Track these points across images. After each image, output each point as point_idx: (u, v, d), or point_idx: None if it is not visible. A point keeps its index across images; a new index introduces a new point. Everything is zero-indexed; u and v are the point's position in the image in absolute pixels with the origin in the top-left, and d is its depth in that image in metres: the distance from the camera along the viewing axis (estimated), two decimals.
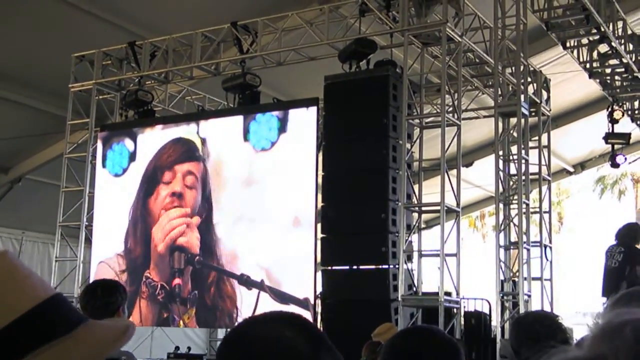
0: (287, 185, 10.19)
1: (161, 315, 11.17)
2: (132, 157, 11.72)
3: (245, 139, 10.71)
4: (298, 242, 9.88)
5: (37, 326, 1.07)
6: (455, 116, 9.52)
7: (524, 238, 9.72)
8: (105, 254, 11.66)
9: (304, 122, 10.29)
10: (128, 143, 11.82)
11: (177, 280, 11.04)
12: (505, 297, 9.84)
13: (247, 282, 10.35)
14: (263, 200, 10.44)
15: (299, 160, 10.16)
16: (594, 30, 11.06)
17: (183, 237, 11.06)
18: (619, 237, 8.90)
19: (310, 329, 1.16)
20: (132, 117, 12.14)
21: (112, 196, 11.79)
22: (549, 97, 12.13)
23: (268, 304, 9.86)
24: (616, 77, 12.93)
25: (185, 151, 11.27)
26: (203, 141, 11.16)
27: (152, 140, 11.64)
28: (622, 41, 11.78)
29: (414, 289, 9.32)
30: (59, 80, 11.90)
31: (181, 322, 11.23)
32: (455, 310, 9.16)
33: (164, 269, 11.14)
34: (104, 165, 11.96)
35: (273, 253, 10.22)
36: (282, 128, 10.44)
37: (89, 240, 11.85)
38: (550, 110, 12.06)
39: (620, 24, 11.68)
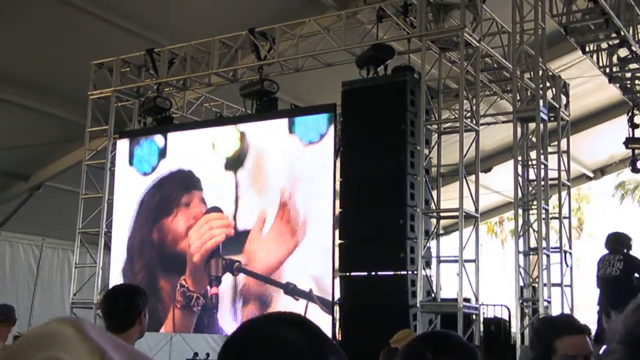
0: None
1: (196, 326, 10.69)
2: (163, 153, 11.31)
3: (290, 131, 10.07)
4: None
5: None
6: (474, 121, 9.48)
7: (544, 244, 9.65)
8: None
9: None
10: (158, 138, 11.45)
11: (214, 290, 10.28)
12: (524, 304, 9.76)
13: (293, 291, 9.56)
14: (311, 200, 9.67)
15: None
16: (614, 35, 10.98)
17: (222, 243, 10.36)
18: (609, 245, 8.87)
19: (313, 330, 1.15)
20: (150, 124, 12.18)
21: (140, 197, 11.39)
22: (568, 102, 12.06)
23: (317, 316, 8.82)
24: (636, 82, 12.82)
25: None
26: (242, 135, 10.55)
27: (184, 137, 11.31)
28: None
29: (433, 295, 9.27)
30: (78, 88, 11.98)
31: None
32: (474, 316, 9.11)
33: (201, 277, 10.46)
34: (131, 163, 11.61)
35: (323, 259, 9.41)
36: (331, 118, 9.79)
37: (108, 247, 11.89)
38: (569, 115, 11.98)
39: None
